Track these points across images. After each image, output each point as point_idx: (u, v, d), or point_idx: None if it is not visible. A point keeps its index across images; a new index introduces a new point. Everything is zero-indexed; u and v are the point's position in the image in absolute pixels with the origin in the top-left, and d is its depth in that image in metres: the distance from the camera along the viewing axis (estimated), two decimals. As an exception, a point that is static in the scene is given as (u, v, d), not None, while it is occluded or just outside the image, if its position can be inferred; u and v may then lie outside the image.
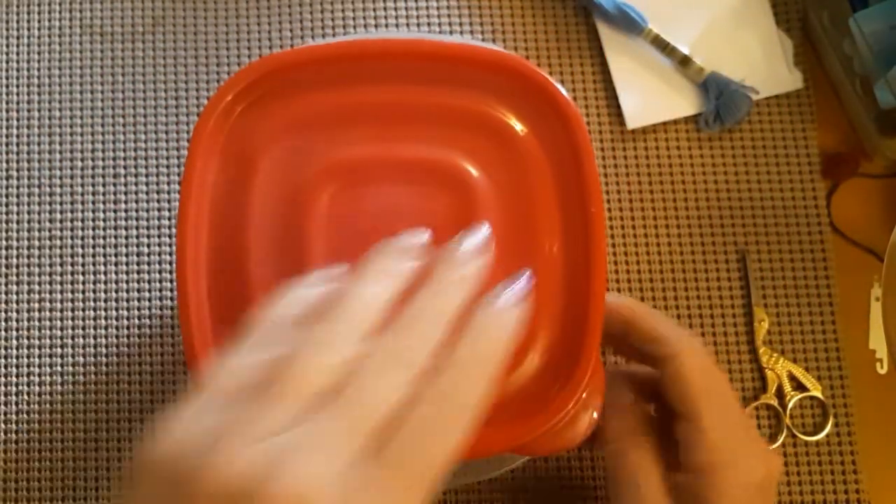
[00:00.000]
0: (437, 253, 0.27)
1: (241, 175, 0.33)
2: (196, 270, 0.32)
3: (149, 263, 0.46)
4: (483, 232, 0.28)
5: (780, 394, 0.45)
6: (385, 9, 0.49)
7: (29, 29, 0.50)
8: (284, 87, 0.34)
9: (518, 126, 0.34)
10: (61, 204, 0.47)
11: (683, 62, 0.47)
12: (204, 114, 0.33)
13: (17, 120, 0.48)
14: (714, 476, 0.32)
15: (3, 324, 0.46)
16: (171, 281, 0.46)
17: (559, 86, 0.33)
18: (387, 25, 0.49)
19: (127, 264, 0.46)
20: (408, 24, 0.49)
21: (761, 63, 0.47)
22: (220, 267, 0.33)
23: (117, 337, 0.46)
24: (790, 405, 0.45)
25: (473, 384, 0.24)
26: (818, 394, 0.45)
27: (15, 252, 0.47)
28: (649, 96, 0.47)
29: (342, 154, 0.33)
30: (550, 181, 0.33)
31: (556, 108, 0.33)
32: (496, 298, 0.26)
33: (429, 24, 0.49)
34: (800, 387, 0.45)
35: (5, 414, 0.45)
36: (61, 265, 0.47)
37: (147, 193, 0.47)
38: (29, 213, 0.47)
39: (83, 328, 0.46)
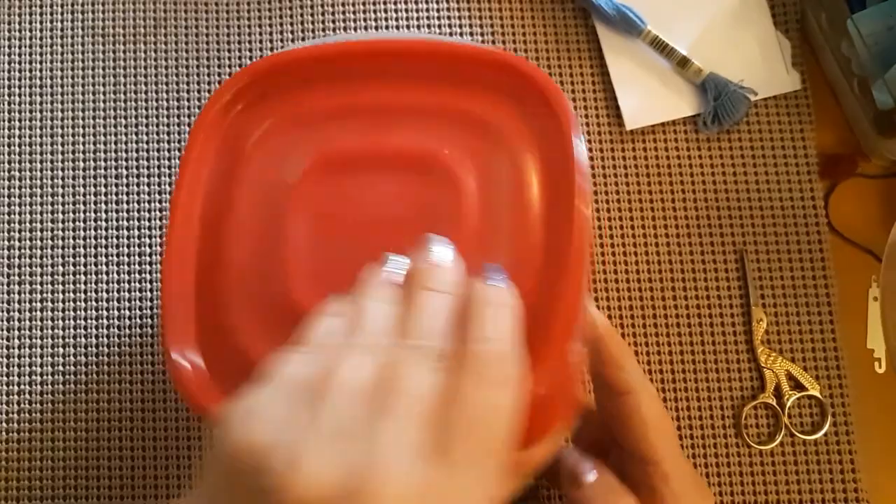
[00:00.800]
0: (413, 270, 0.29)
1: (234, 167, 0.34)
2: (182, 261, 0.33)
3: (150, 263, 0.47)
4: (446, 247, 0.29)
5: (778, 393, 0.45)
6: (385, 10, 0.49)
7: (31, 30, 0.50)
8: (283, 85, 0.35)
9: (505, 119, 0.34)
10: (63, 204, 0.48)
11: (682, 63, 0.47)
12: (203, 109, 0.34)
13: (20, 121, 0.49)
14: None
15: (6, 323, 0.46)
16: (173, 281, 0.47)
17: (548, 76, 0.33)
18: (387, 27, 0.49)
19: (129, 264, 0.47)
20: (408, 26, 0.49)
21: (760, 64, 0.48)
22: (207, 255, 0.34)
23: (119, 337, 0.46)
24: (788, 404, 0.45)
25: (502, 355, 0.26)
26: (816, 393, 0.45)
27: (17, 252, 0.47)
28: (648, 97, 0.48)
29: (331, 147, 0.34)
30: (536, 171, 0.33)
31: (544, 99, 0.33)
32: (483, 279, 0.28)
33: (429, 26, 0.49)
34: (798, 386, 0.45)
35: (7, 413, 0.45)
36: (63, 265, 0.47)
37: (149, 194, 0.48)
38: (31, 213, 0.48)
39: (85, 328, 0.46)
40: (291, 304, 0.32)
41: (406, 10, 0.49)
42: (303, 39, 0.49)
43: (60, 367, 0.46)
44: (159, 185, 0.48)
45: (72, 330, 0.46)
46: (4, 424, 0.45)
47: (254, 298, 0.33)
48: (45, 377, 0.46)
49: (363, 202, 0.33)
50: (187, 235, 0.34)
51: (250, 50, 0.49)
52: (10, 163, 0.48)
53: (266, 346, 0.31)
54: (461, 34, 0.49)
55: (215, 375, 0.32)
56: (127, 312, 0.46)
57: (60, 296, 0.47)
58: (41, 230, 0.47)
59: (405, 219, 0.33)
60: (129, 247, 0.47)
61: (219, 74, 0.49)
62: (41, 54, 0.49)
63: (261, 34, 0.49)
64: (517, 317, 0.27)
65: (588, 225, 0.31)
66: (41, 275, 0.47)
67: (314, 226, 0.33)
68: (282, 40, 0.49)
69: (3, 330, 0.46)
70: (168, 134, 0.48)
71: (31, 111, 0.49)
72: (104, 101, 0.49)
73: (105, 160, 0.48)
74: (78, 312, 0.46)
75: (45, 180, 0.48)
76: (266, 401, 0.24)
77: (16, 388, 0.46)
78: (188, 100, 0.49)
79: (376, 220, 0.33)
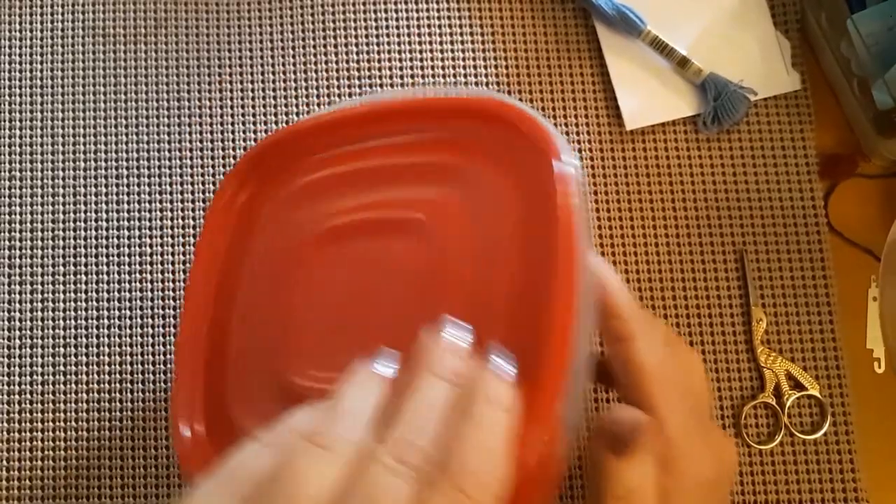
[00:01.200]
0: (418, 356, 0.26)
1: (245, 247, 0.36)
2: (195, 335, 0.35)
3: (151, 263, 0.47)
4: (456, 331, 0.27)
5: (777, 393, 0.45)
6: (385, 10, 0.49)
7: (31, 31, 0.50)
8: (282, 164, 0.37)
9: (491, 167, 0.32)
10: (64, 205, 0.48)
11: (682, 63, 0.47)
12: (214, 199, 0.37)
13: (20, 121, 0.49)
14: (666, 470, 0.30)
15: (7, 324, 0.46)
16: (173, 281, 0.47)
17: (534, 115, 0.31)
18: (387, 27, 0.49)
19: (129, 264, 0.47)
20: (408, 24, 0.49)
21: (759, 64, 0.48)
22: (218, 330, 0.35)
23: (120, 336, 0.46)
24: (788, 404, 0.45)
25: (485, 472, 0.23)
26: (816, 392, 0.45)
27: (18, 252, 0.47)
28: (648, 97, 0.48)
29: (326, 221, 0.35)
30: (523, 220, 0.31)
31: (529, 142, 0.31)
32: (486, 365, 0.26)
33: (429, 26, 0.49)
34: (798, 386, 0.45)
35: (8, 413, 0.46)
36: (64, 265, 0.47)
37: (149, 194, 0.48)
38: (32, 213, 0.48)
39: (86, 328, 0.46)
40: (285, 381, 0.32)
41: (406, 11, 0.49)
42: (303, 39, 0.49)
43: (61, 367, 0.46)
44: (159, 185, 0.48)
45: (72, 330, 0.46)
46: (5, 424, 0.45)
47: (251, 375, 0.33)
48: (46, 377, 0.46)
49: (356, 275, 0.33)
50: (202, 312, 0.35)
51: (250, 50, 0.49)
52: (10, 163, 0.48)
53: (258, 424, 0.31)
54: (461, 35, 0.49)
55: (217, 450, 0.32)
56: (127, 312, 0.46)
57: (61, 296, 0.47)
58: (42, 230, 0.47)
59: (398, 281, 0.32)
60: (129, 247, 0.47)
61: (219, 74, 0.49)
62: (41, 54, 0.49)
63: (261, 34, 0.49)
64: (513, 416, 0.25)
65: (572, 273, 0.28)
66: (41, 275, 0.47)
67: (309, 302, 0.33)
68: (282, 40, 0.49)
69: (3, 330, 0.46)
70: (168, 134, 0.48)
71: (31, 111, 0.49)
72: (104, 101, 0.49)
73: (105, 160, 0.48)
74: (79, 312, 0.46)
75: (45, 181, 0.48)
76: (202, 499, 0.22)
77: (17, 387, 0.46)
78: (188, 100, 0.49)
79: (370, 292, 0.32)
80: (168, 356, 0.46)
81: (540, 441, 0.25)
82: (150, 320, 0.46)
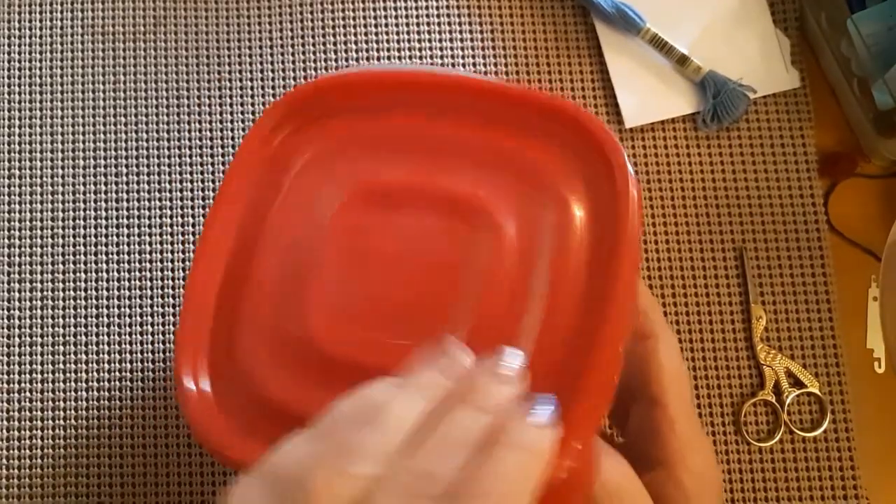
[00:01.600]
0: (473, 374, 0.26)
1: (273, 194, 0.33)
2: (206, 282, 0.32)
3: (150, 262, 0.47)
4: (516, 360, 0.27)
5: (777, 390, 0.45)
6: (385, 8, 0.49)
7: (31, 29, 0.50)
8: (328, 110, 0.34)
9: (555, 167, 0.32)
10: (63, 203, 0.48)
11: (681, 61, 0.47)
12: (246, 138, 0.34)
13: (19, 119, 0.49)
14: (681, 466, 0.32)
15: (6, 321, 0.46)
16: (173, 279, 0.47)
17: (615, 139, 0.31)
18: (386, 24, 0.49)
19: (129, 262, 0.47)
20: (407, 21, 0.49)
21: (759, 62, 0.48)
22: (232, 278, 0.33)
23: (119, 335, 0.46)
24: (788, 401, 0.45)
25: None
26: (816, 390, 0.45)
27: (17, 251, 0.47)
28: (647, 95, 0.48)
29: (372, 179, 0.33)
30: (582, 224, 0.31)
31: (600, 151, 0.31)
32: (526, 407, 0.26)
33: (428, 24, 0.49)
34: (797, 383, 0.45)
35: (8, 412, 0.46)
36: (63, 263, 0.47)
37: (149, 192, 0.48)
38: (31, 211, 0.48)
39: (85, 326, 0.46)
40: (307, 339, 0.31)
41: (406, 8, 0.49)
42: (302, 38, 0.49)
43: (60, 366, 0.46)
44: (159, 183, 0.48)
45: (71, 328, 0.46)
46: (5, 423, 0.45)
47: (270, 329, 0.32)
48: (45, 375, 0.46)
49: (397, 241, 0.32)
50: (216, 257, 0.33)
51: (250, 48, 0.49)
52: (9, 161, 0.48)
53: (275, 379, 0.31)
54: (461, 31, 0.49)
55: (223, 403, 0.31)
56: (127, 311, 0.46)
57: (60, 294, 0.47)
58: (41, 229, 0.47)
59: (439, 263, 0.31)
60: (128, 245, 0.47)
61: (218, 73, 0.49)
62: (41, 53, 0.49)
63: (260, 32, 0.49)
64: (542, 466, 0.25)
65: (630, 293, 0.29)
66: (41, 273, 0.47)
67: (343, 261, 0.32)
68: (282, 38, 0.49)
69: (3, 328, 0.46)
70: (168, 132, 0.48)
71: (30, 109, 0.49)
72: (104, 100, 0.49)
73: (105, 158, 0.48)
74: (77, 311, 0.46)
75: (44, 179, 0.48)
76: (244, 495, 0.23)
77: (16, 385, 0.46)
78: (188, 98, 0.49)
79: (408, 261, 0.31)
80: (168, 354, 0.46)
81: (573, 452, 0.26)
82: (149, 318, 0.46)
